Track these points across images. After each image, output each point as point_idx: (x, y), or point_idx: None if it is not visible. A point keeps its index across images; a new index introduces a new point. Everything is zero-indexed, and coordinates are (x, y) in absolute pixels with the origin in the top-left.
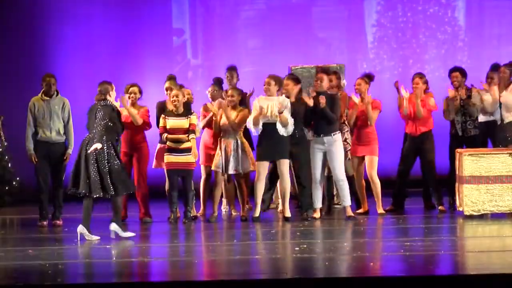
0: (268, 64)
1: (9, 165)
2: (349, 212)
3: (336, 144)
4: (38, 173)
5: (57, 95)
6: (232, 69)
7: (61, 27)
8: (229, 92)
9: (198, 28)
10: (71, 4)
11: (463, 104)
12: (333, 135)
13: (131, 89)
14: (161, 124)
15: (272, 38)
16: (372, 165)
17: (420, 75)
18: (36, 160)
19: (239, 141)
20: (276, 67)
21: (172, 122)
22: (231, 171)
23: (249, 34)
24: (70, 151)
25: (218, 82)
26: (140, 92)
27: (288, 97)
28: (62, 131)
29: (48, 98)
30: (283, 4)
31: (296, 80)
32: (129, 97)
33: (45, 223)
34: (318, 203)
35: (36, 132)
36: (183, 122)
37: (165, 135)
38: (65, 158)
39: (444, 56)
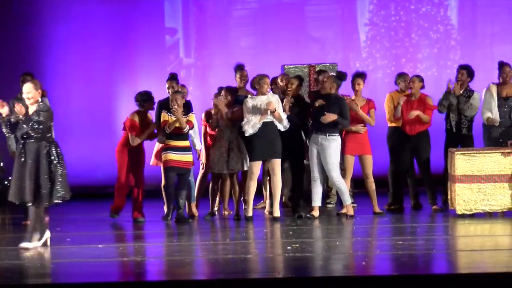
0: (261, 63)
1: (1, 164)
2: (350, 211)
3: (331, 145)
4: None
5: None
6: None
7: (53, 26)
8: (223, 92)
9: (191, 27)
10: (63, 3)
11: (459, 103)
12: (329, 135)
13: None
14: (166, 118)
15: (265, 37)
16: (368, 164)
17: (419, 78)
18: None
19: (236, 139)
20: (269, 66)
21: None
22: (226, 170)
23: (242, 33)
24: None
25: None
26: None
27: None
28: None
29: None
30: (276, 3)
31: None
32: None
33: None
34: (317, 201)
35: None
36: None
37: (163, 138)
38: None
39: (436, 55)
